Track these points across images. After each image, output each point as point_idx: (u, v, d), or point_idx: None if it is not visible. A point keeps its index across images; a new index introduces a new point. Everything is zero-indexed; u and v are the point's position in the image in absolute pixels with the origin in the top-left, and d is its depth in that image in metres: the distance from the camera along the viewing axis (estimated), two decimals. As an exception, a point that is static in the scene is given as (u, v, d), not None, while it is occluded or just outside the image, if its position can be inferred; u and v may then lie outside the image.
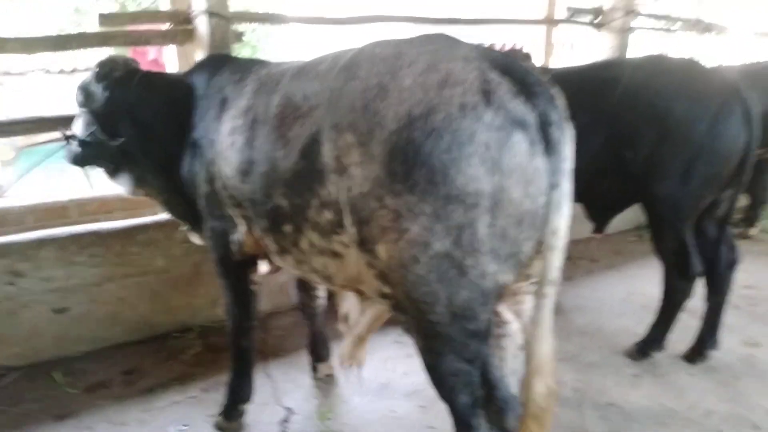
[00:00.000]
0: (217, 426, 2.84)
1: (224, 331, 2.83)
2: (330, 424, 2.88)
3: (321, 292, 3.17)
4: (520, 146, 1.47)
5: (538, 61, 5.63)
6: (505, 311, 1.99)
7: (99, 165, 2.87)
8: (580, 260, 5.08)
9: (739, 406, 2.98)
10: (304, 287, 3.14)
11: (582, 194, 3.57)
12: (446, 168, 1.45)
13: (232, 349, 2.81)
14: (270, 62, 2.55)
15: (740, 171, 2.96)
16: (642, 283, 4.42)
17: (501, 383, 1.78)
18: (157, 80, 2.82)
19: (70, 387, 3.20)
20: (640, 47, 6.01)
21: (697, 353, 3.36)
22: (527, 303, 1.94)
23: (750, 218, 5.61)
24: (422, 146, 1.46)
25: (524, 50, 4.35)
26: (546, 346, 1.63)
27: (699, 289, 3.27)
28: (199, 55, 3.59)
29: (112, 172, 2.91)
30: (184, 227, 3.01)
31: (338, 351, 2.98)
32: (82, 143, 2.76)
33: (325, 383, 3.23)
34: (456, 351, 1.64)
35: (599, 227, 3.66)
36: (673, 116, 2.90)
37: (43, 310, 3.38)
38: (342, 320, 2.87)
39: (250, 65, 2.52)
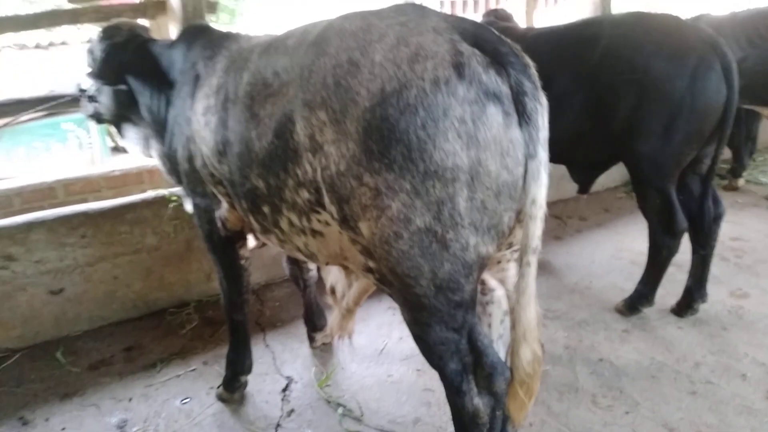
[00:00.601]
0: (219, 397, 2.91)
1: (220, 305, 2.88)
2: (329, 390, 2.94)
3: (312, 264, 3.21)
4: (495, 119, 1.47)
5: (520, 19, 5.58)
6: (490, 279, 2.03)
7: (111, 122, 3.02)
8: (570, 219, 5.13)
9: (727, 356, 3.07)
10: (295, 260, 3.18)
11: (564, 155, 3.62)
12: (423, 144, 1.44)
13: (228, 322, 2.87)
14: (241, 36, 2.52)
15: (722, 126, 2.98)
16: (630, 240, 4.49)
17: (489, 349, 1.75)
18: (152, 49, 2.78)
19: (72, 366, 3.25)
20: (622, 4, 5.94)
21: (685, 306, 3.44)
22: (511, 270, 1.97)
23: (736, 169, 5.67)
24: (397, 123, 1.45)
25: (506, 10, 4.28)
26: (531, 312, 1.63)
27: (686, 243, 3.33)
28: (173, 27, 3.54)
29: (123, 132, 3.04)
30: (175, 198, 3.00)
31: (328, 323, 3.01)
32: (91, 98, 2.93)
33: (322, 351, 3.29)
34: (442, 321, 1.66)
35: (584, 188, 3.70)
36: (653, 74, 2.91)
37: (39, 292, 3.40)
38: (329, 293, 2.89)
39: (221, 40, 2.48)
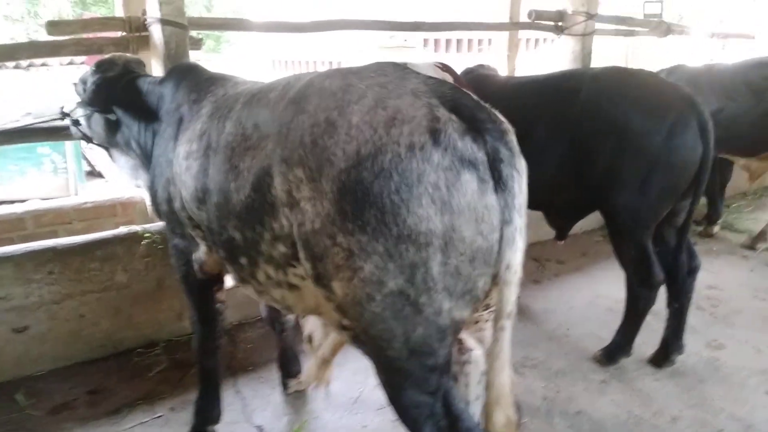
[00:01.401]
0: None
1: (191, 346, 2.79)
2: (301, 441, 2.85)
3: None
4: (470, 185, 1.46)
5: (501, 62, 5.66)
6: (468, 338, 2.01)
7: (101, 146, 3.06)
8: (548, 262, 5.13)
9: (703, 411, 3.05)
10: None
11: (542, 203, 3.63)
12: (396, 208, 1.44)
13: (198, 368, 2.79)
14: (229, 80, 2.51)
15: (697, 182, 3.01)
16: (607, 286, 4.49)
17: (465, 414, 1.73)
18: (141, 85, 2.79)
19: (33, 409, 3.10)
20: (603, 51, 6.07)
21: (662, 358, 3.43)
22: (489, 329, 1.95)
23: (711, 216, 5.74)
24: (372, 186, 1.45)
25: (491, 65, 4.33)
26: (504, 377, 1.60)
27: (664, 292, 3.33)
28: (156, 63, 3.50)
29: (112, 157, 3.07)
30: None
31: (304, 372, 2.93)
32: (75, 122, 3.00)
33: (295, 399, 3.19)
34: (416, 385, 1.64)
35: (561, 234, 3.71)
36: (631, 129, 2.94)
37: (2, 330, 3.26)
38: (306, 341, 2.81)
39: (208, 83, 2.48)
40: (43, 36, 3.32)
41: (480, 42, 10.01)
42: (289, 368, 3.22)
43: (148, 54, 3.61)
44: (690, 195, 3.09)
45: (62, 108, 3.08)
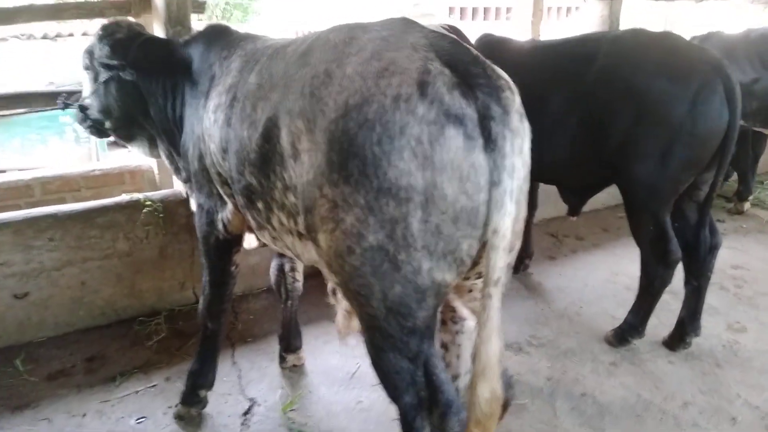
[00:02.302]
0: (176, 415, 2.78)
1: (192, 315, 2.77)
2: (293, 415, 2.79)
3: (300, 275, 3.07)
4: (455, 141, 1.41)
5: (525, 30, 5.42)
6: (462, 308, 1.93)
7: (113, 130, 2.94)
8: (566, 238, 4.95)
9: (718, 397, 2.89)
10: (283, 269, 3.03)
11: (556, 176, 3.46)
12: (378, 160, 1.42)
13: (201, 330, 2.76)
14: (260, 37, 2.48)
15: (722, 153, 2.80)
16: (627, 263, 4.28)
17: (446, 385, 1.70)
18: (157, 46, 2.70)
19: (30, 375, 3.10)
20: (638, 18, 5.76)
21: (677, 340, 3.26)
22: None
23: (741, 193, 5.45)
24: (356, 137, 1.44)
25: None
26: (492, 347, 1.51)
27: (682, 270, 3.16)
28: (157, 26, 3.40)
29: (122, 134, 2.97)
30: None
31: (335, 322, 2.86)
32: (82, 108, 2.84)
33: (291, 372, 3.13)
34: (396, 348, 1.61)
35: (574, 210, 3.53)
36: (651, 96, 2.74)
37: (2, 295, 3.26)
38: (331, 293, 2.78)
39: (239, 40, 2.46)
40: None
41: (508, 10, 9.66)
42: (289, 341, 3.14)
43: (149, 17, 3.51)
44: (714, 167, 2.88)
45: (63, 97, 2.97)
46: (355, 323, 2.75)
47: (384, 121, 1.42)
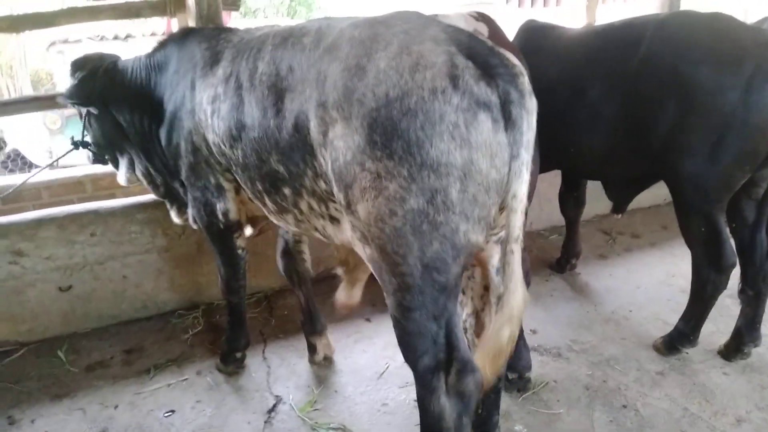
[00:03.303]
0: (216, 367, 3.15)
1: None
2: (316, 415, 2.75)
3: (307, 255, 3.17)
4: (485, 125, 1.62)
5: (580, 15, 5.15)
6: (476, 269, 2.17)
7: (109, 157, 3.17)
8: (620, 235, 4.67)
9: (775, 414, 2.63)
10: (290, 252, 3.10)
11: (598, 171, 3.25)
12: (421, 142, 1.60)
13: (225, 304, 3.08)
14: (237, 29, 2.62)
15: None
16: (685, 264, 3.89)
17: (462, 343, 1.84)
18: (118, 70, 2.88)
19: (72, 365, 3.23)
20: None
21: (734, 349, 2.99)
22: (491, 251, 2.09)
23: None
24: (399, 122, 1.62)
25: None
26: (518, 296, 1.71)
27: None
28: (191, 24, 3.43)
29: (113, 162, 3.19)
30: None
31: (336, 295, 2.83)
32: (84, 144, 3.11)
33: (320, 369, 3.10)
34: (424, 306, 1.74)
35: (618, 207, 3.31)
36: (700, 83, 2.50)
37: (48, 288, 3.40)
38: (340, 264, 2.79)
39: (216, 33, 2.61)
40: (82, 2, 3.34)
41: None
42: (313, 324, 3.14)
43: (184, 16, 3.55)
44: (773, 161, 2.61)
45: (72, 138, 3.17)
46: (357, 293, 2.85)
47: (425, 110, 1.60)
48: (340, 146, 1.74)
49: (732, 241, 2.77)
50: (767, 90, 2.43)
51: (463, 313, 2.23)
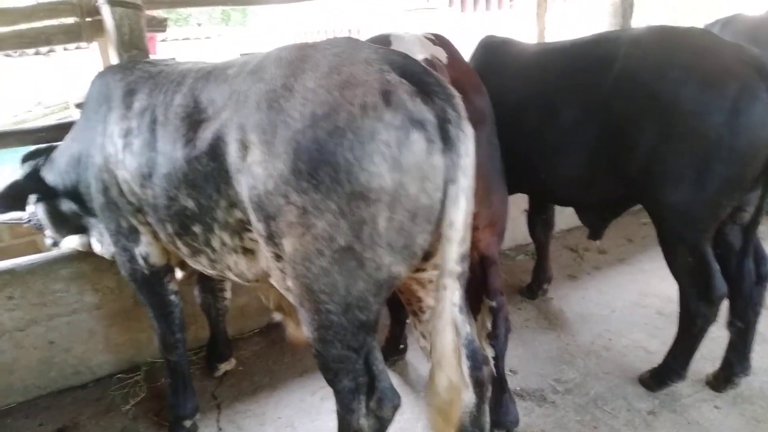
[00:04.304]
0: None
1: None
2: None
3: (228, 293, 3.16)
4: (419, 144, 1.53)
5: (530, 19, 4.98)
6: (427, 297, 2.07)
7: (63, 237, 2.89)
8: (587, 252, 4.52)
9: (777, 453, 2.48)
10: (210, 288, 3.09)
11: (570, 199, 3.04)
12: (350, 166, 1.50)
13: (165, 365, 2.76)
14: (160, 61, 2.47)
15: None
16: (657, 281, 3.87)
17: (383, 374, 1.98)
18: (38, 159, 2.75)
19: (-6, 452, 2.78)
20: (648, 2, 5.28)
21: (723, 380, 2.84)
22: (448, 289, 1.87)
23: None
24: (326, 144, 1.51)
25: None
26: (447, 338, 1.62)
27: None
28: (112, 50, 3.02)
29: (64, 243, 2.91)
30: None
31: (287, 334, 2.69)
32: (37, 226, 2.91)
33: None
34: (345, 340, 1.75)
35: (595, 233, 3.12)
36: (681, 105, 2.31)
37: (-39, 362, 2.93)
38: (276, 309, 2.65)
39: (131, 66, 2.44)
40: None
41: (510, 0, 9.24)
42: (221, 352, 3.24)
43: (104, 41, 3.14)
44: (759, 185, 2.45)
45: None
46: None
47: (354, 128, 1.50)
48: (259, 173, 1.64)
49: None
50: (754, 111, 2.25)
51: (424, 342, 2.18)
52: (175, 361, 2.72)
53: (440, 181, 1.56)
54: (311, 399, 2.98)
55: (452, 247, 1.56)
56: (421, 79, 1.60)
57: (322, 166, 1.52)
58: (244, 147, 1.68)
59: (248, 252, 1.96)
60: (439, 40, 2.35)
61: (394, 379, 3.01)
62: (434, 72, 1.66)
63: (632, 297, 3.81)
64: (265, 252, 1.83)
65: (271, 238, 1.71)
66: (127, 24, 2.85)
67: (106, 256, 2.69)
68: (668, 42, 2.49)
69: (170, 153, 1.97)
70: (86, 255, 3.07)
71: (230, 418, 2.90)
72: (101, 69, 2.62)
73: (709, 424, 2.67)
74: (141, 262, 2.46)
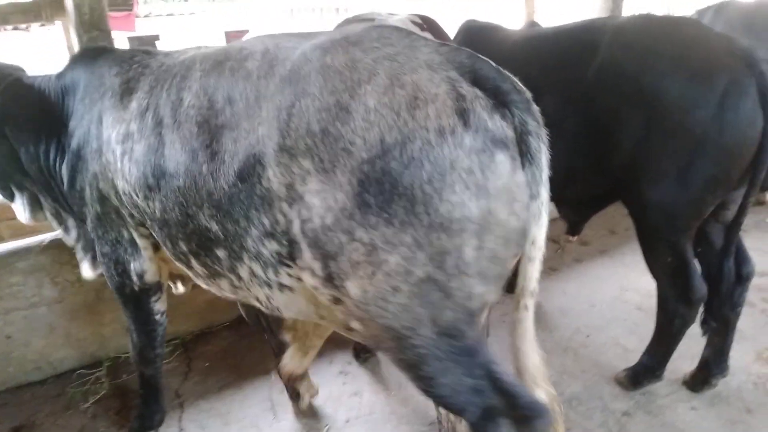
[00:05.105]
0: None
1: None
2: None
3: None
4: (504, 166, 1.40)
5: (516, 7, 4.85)
6: None
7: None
8: (569, 243, 4.43)
9: (752, 456, 2.42)
10: None
11: (551, 192, 2.93)
12: (428, 198, 1.35)
13: (138, 375, 2.59)
14: (155, 52, 2.21)
15: (756, 166, 2.26)
16: (638, 275, 3.76)
17: (519, 388, 1.58)
18: (24, 88, 2.35)
19: (-54, 452, 2.67)
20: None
21: (701, 381, 2.77)
22: None
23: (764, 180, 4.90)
24: (400, 177, 1.35)
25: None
26: (535, 357, 1.59)
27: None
28: (72, 30, 2.87)
29: (9, 197, 2.65)
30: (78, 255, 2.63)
31: (282, 365, 2.62)
32: None
33: (248, 438, 2.67)
34: (448, 370, 1.53)
35: (574, 229, 3.02)
36: (666, 99, 2.20)
37: None
38: (286, 329, 2.55)
39: (130, 57, 2.18)
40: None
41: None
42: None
43: (65, 21, 2.98)
44: (744, 183, 2.35)
45: None
46: (307, 362, 2.63)
47: (432, 158, 1.35)
48: (315, 205, 1.46)
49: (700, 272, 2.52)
50: (742, 107, 2.15)
51: None
52: (149, 374, 2.56)
53: (526, 198, 1.45)
54: (278, 398, 2.88)
55: (534, 265, 1.51)
56: (497, 86, 1.45)
57: (396, 200, 1.36)
58: (292, 173, 1.49)
59: (285, 288, 1.73)
60: (426, 24, 2.24)
61: (366, 378, 2.98)
62: (507, 73, 1.51)
63: (613, 291, 3.74)
64: (320, 294, 1.62)
65: (330, 280, 1.53)
66: (87, 4, 2.71)
67: (27, 222, 2.58)
68: (655, 32, 2.38)
69: (187, 164, 1.74)
70: (46, 246, 2.96)
71: (193, 417, 2.81)
72: (82, 50, 2.43)
73: (684, 426, 2.60)
74: (134, 278, 2.27)
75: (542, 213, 1.49)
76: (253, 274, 1.76)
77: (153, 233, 2.04)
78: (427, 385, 1.57)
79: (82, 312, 3.12)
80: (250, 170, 1.59)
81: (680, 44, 2.27)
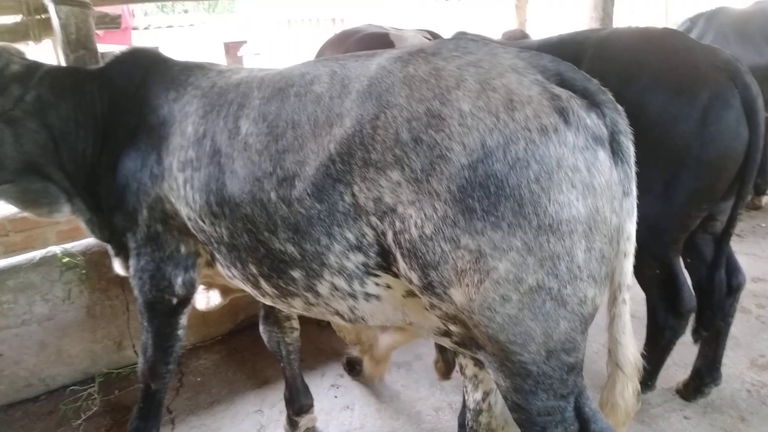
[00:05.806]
0: None
1: (131, 379, 2.58)
2: None
3: (296, 323, 2.73)
4: (605, 163, 1.41)
5: (510, 13, 4.85)
6: None
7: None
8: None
9: (745, 467, 2.41)
10: (275, 320, 2.68)
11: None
12: (536, 198, 1.34)
13: (142, 389, 2.43)
14: (206, 68, 2.16)
15: (742, 178, 2.27)
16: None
17: (597, 415, 1.58)
18: (66, 78, 2.26)
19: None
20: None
21: (693, 390, 2.77)
22: None
23: (759, 185, 4.88)
24: (507, 178, 1.34)
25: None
26: (632, 350, 1.65)
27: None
28: (60, 50, 2.87)
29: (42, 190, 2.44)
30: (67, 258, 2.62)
31: (364, 372, 2.79)
32: None
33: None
34: (551, 388, 1.50)
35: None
36: (648, 113, 2.19)
37: None
38: (352, 344, 2.64)
39: (184, 74, 2.14)
40: None
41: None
42: (300, 403, 2.72)
43: (55, 39, 2.99)
44: (733, 194, 2.35)
45: None
46: (383, 368, 2.73)
47: (538, 157, 1.33)
48: (411, 215, 1.44)
49: (690, 283, 2.52)
50: (725, 120, 2.15)
51: (475, 396, 2.05)
52: (156, 389, 2.43)
53: (621, 196, 1.48)
54: (270, 412, 2.88)
55: (629, 260, 1.55)
56: (585, 87, 1.46)
57: (503, 202, 1.34)
58: (379, 186, 1.48)
59: (372, 297, 1.73)
60: (432, 36, 2.26)
61: (358, 391, 2.98)
62: (589, 76, 1.52)
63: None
64: (404, 299, 1.66)
65: (431, 289, 1.50)
66: (74, 23, 2.71)
67: (46, 216, 2.43)
68: (638, 45, 2.37)
69: (254, 193, 1.73)
70: (36, 264, 2.97)
71: (184, 435, 2.81)
72: (148, 54, 2.31)
73: (677, 435, 2.60)
74: (178, 290, 2.18)
75: (634, 209, 1.52)
76: (334, 287, 1.74)
77: (219, 255, 2.00)
78: (523, 400, 1.53)
79: (74, 329, 3.13)
80: (330, 189, 1.58)
81: (662, 56, 2.27)
